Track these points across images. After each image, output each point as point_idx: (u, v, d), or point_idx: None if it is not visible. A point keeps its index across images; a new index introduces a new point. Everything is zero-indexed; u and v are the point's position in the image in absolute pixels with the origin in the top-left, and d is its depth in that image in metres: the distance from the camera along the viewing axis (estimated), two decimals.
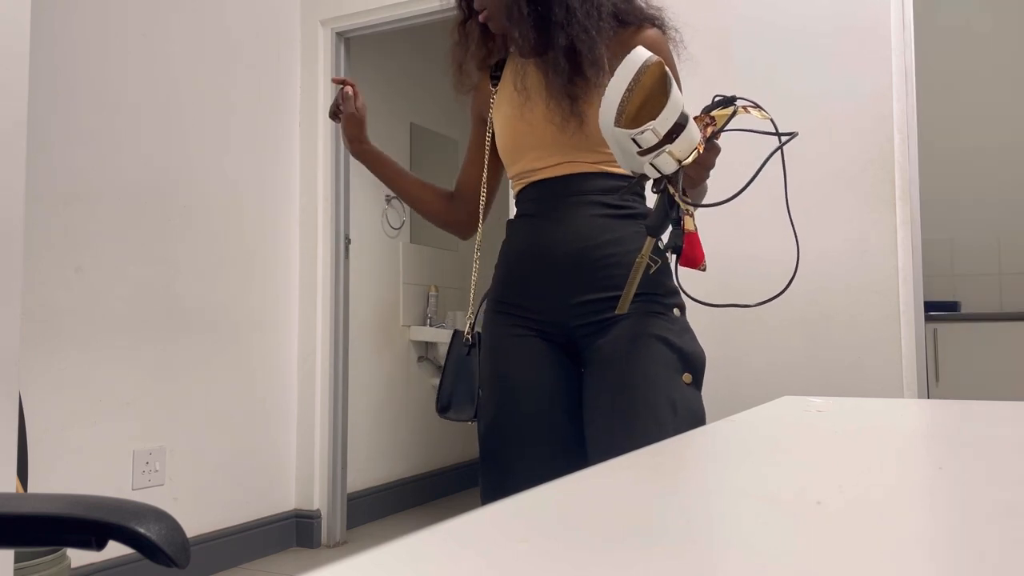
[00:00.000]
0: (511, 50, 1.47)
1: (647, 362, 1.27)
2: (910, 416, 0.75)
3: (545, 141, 1.36)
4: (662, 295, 1.35)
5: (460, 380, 1.47)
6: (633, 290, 1.12)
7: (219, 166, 2.87)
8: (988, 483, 0.43)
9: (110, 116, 2.52)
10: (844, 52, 2.32)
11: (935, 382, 2.97)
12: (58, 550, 1.83)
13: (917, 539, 0.33)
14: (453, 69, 1.50)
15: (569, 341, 1.36)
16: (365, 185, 3.65)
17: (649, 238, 1.11)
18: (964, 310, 3.57)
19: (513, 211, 1.55)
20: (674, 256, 1.13)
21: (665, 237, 1.15)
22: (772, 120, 1.09)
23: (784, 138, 1.07)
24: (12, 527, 0.69)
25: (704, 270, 1.16)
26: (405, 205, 3.92)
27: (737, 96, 1.09)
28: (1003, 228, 3.58)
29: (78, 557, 2.28)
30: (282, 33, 3.20)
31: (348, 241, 3.24)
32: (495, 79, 1.49)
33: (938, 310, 3.35)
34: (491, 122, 1.47)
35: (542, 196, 1.37)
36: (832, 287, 2.28)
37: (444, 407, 1.50)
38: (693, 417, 1.28)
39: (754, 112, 1.08)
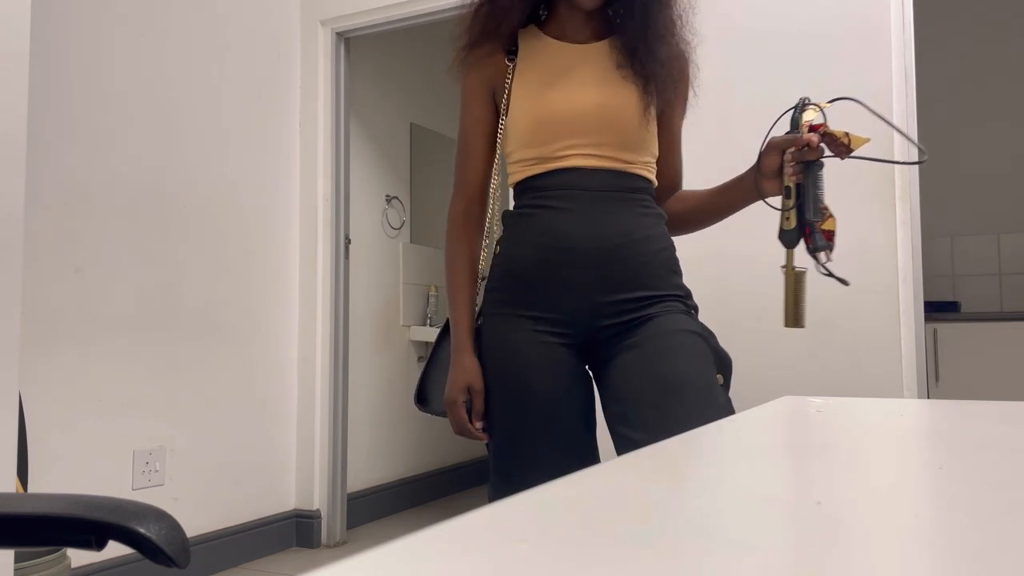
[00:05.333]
0: (529, 26, 1.37)
1: (691, 358, 1.22)
2: (910, 416, 0.75)
3: (593, 129, 1.27)
4: (684, 296, 1.32)
5: (445, 372, 1.38)
6: (796, 303, 1.21)
7: (219, 166, 2.87)
8: (988, 483, 0.43)
9: (110, 116, 2.52)
10: (844, 53, 2.32)
11: (935, 382, 2.97)
12: (58, 550, 1.83)
13: (917, 539, 0.32)
14: (477, 35, 1.34)
15: (589, 342, 1.29)
16: (365, 185, 3.65)
17: (789, 249, 1.21)
18: (964, 310, 3.57)
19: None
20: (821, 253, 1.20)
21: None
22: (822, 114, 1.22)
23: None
24: (12, 527, 0.69)
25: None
26: (405, 205, 3.94)
27: (805, 100, 1.23)
28: (1003, 228, 3.58)
29: (78, 557, 2.28)
30: (282, 33, 3.20)
31: (348, 241, 3.24)
32: (511, 53, 1.35)
33: (938, 310, 3.35)
34: (506, 102, 1.34)
35: (570, 187, 1.27)
36: (832, 287, 2.28)
37: (424, 399, 1.40)
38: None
39: (823, 105, 1.22)
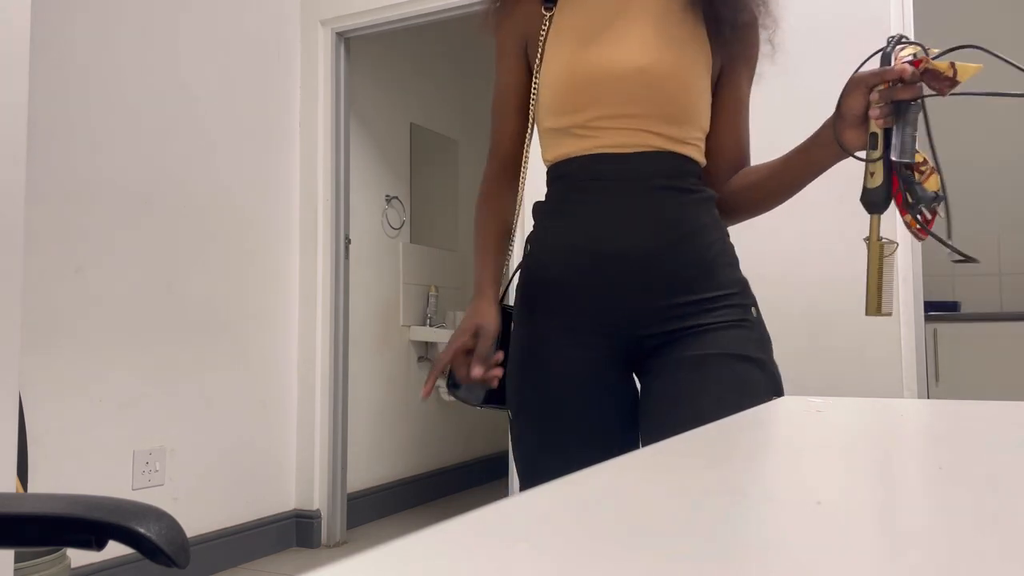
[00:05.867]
0: None
1: (721, 397, 1.05)
2: (910, 416, 0.75)
3: (634, 96, 1.09)
4: (739, 293, 1.15)
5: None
6: (880, 285, 0.95)
7: (219, 166, 2.87)
8: (988, 483, 0.43)
9: (110, 116, 2.52)
10: (844, 53, 2.32)
11: (935, 382, 2.97)
12: (58, 550, 1.83)
13: (917, 539, 0.32)
14: None
15: (632, 350, 1.14)
16: (365, 185, 3.65)
17: (875, 216, 0.96)
18: (964, 310, 3.57)
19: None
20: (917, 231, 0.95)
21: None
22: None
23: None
24: (12, 527, 0.69)
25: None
26: (405, 205, 3.93)
27: (902, 37, 0.98)
28: (1003, 228, 3.58)
29: (78, 557, 2.28)
30: (282, 33, 3.20)
31: (348, 241, 3.24)
32: (549, 1, 1.18)
33: (938, 310, 3.35)
34: (541, 53, 1.17)
35: (607, 177, 1.11)
36: (832, 287, 2.28)
37: (456, 383, 1.23)
38: None
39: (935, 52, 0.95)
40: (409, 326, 3.88)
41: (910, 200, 0.94)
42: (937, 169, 0.94)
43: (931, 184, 0.94)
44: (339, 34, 3.25)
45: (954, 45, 0.95)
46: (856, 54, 2.43)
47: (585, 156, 1.12)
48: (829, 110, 1.09)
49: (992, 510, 0.37)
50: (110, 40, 2.54)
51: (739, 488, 0.43)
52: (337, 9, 3.21)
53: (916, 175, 0.94)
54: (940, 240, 0.94)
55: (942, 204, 0.94)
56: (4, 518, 0.68)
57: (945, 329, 3.00)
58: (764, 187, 1.17)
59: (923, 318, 2.24)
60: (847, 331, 2.26)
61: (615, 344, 1.13)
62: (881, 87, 0.95)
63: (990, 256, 3.60)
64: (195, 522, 2.71)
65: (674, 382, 1.09)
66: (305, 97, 3.25)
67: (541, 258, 1.17)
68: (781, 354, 2.31)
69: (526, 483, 1.18)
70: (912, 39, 0.98)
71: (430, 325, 3.94)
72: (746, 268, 2.41)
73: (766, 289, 2.35)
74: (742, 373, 1.08)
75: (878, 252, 0.96)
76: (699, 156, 1.16)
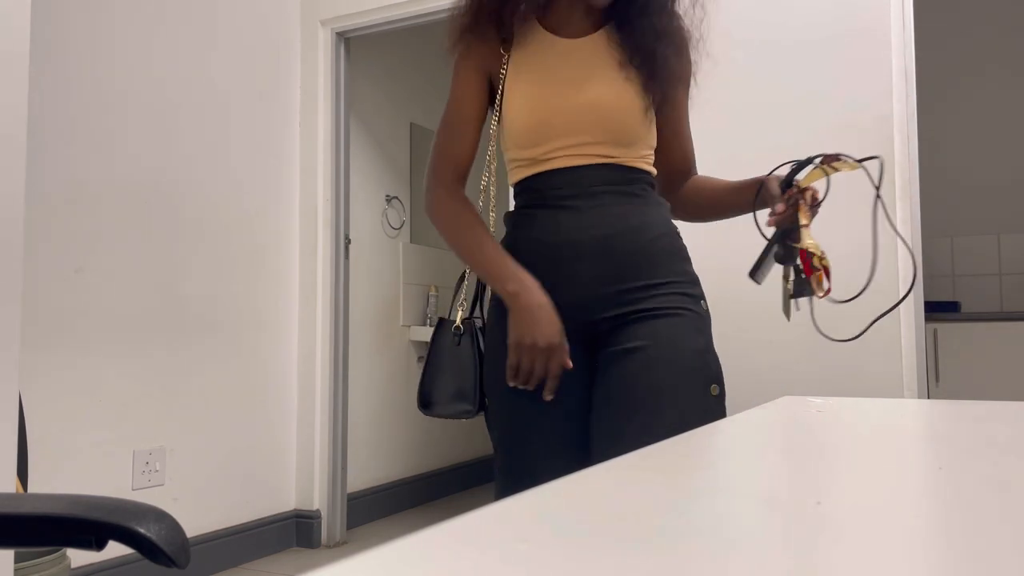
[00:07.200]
0: (528, 13, 1.32)
1: (678, 385, 1.19)
2: (910, 416, 0.75)
3: (587, 129, 1.26)
4: (688, 283, 1.29)
5: (446, 373, 1.37)
6: (789, 307, 1.21)
7: (219, 166, 2.87)
8: (988, 483, 0.43)
9: (110, 116, 2.52)
10: (845, 53, 2.32)
11: (935, 382, 2.97)
12: (58, 550, 1.83)
13: (917, 539, 0.32)
14: (475, 14, 1.31)
15: (591, 336, 1.27)
16: (365, 185, 3.65)
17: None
18: (964, 310, 3.57)
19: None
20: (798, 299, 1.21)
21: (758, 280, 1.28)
22: (858, 166, 1.14)
23: (875, 174, 1.16)
24: (12, 527, 0.69)
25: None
26: (405, 205, 3.93)
27: (815, 156, 1.16)
28: (1003, 228, 3.58)
29: (78, 557, 2.28)
30: (282, 33, 3.20)
31: (348, 241, 3.24)
32: (506, 42, 1.32)
33: (938, 310, 3.35)
34: (502, 90, 1.31)
35: (566, 185, 1.27)
36: (832, 287, 2.28)
37: (426, 403, 1.38)
38: None
39: (839, 165, 1.14)
40: (409, 326, 3.88)
41: (798, 285, 1.18)
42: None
43: (825, 262, 1.16)
44: (339, 34, 3.25)
45: (863, 157, 1.15)
46: (856, 55, 2.44)
47: (545, 172, 1.28)
48: (825, 110, 1.18)
49: (992, 510, 0.37)
50: (109, 40, 2.54)
51: (739, 488, 0.43)
52: (337, 9, 3.21)
53: (812, 267, 1.17)
54: (814, 324, 1.19)
55: (811, 298, 1.19)
56: (4, 518, 0.68)
57: (945, 329, 3.00)
58: (712, 206, 1.38)
59: (923, 318, 2.24)
60: (847, 331, 2.26)
61: (577, 328, 1.26)
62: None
63: (990, 256, 3.60)
64: (195, 522, 2.71)
65: (618, 373, 1.22)
66: (305, 97, 3.25)
67: (513, 253, 1.29)
68: (782, 354, 2.31)
69: (504, 464, 1.28)
70: (832, 159, 1.16)
71: (430, 325, 3.94)
72: (747, 265, 2.40)
73: (767, 288, 2.36)
74: (687, 364, 1.21)
75: (784, 286, 1.22)
76: (647, 166, 1.32)
